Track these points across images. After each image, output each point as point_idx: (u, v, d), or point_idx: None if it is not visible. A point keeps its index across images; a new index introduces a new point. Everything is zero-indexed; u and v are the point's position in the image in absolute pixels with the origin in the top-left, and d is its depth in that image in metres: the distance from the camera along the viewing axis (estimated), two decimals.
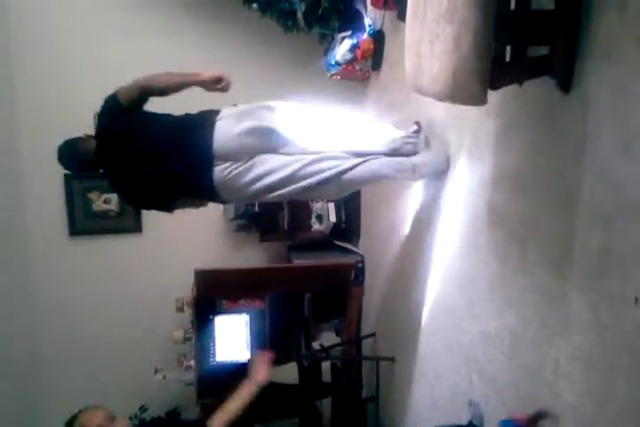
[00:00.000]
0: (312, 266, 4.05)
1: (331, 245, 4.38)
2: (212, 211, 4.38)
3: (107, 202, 4.37)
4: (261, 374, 2.42)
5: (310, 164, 2.45)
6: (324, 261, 4.18)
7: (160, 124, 2.49)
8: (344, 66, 3.71)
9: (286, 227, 4.25)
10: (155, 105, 2.59)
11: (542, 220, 1.86)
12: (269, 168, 2.43)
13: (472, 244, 2.38)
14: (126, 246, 4.43)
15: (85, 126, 3.59)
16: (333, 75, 3.80)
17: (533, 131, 1.91)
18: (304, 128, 2.52)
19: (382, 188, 3.62)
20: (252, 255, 4.54)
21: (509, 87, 1.78)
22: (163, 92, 2.46)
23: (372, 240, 3.94)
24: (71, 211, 4.33)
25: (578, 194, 1.65)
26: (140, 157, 2.44)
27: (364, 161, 2.50)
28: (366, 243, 4.14)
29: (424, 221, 2.94)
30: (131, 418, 4.48)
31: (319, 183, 2.46)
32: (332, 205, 4.24)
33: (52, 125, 4.12)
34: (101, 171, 2.59)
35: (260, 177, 2.43)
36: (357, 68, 3.75)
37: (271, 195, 2.48)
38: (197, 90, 2.54)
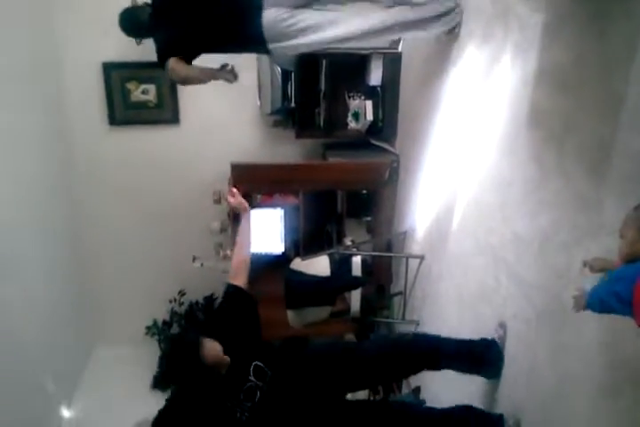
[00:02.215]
0: (347, 164, 4.07)
1: (366, 144, 4.36)
2: (249, 105, 4.37)
3: (145, 93, 4.38)
4: (244, 205, 2.63)
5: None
6: (359, 160, 4.18)
7: None
8: None
9: (322, 124, 4.22)
10: None
11: (583, 121, 1.82)
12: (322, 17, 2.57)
13: (510, 145, 2.35)
14: (164, 138, 4.49)
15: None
16: None
17: (584, 28, 1.81)
18: None
19: (421, 85, 3.53)
20: (287, 151, 4.57)
21: None
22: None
23: (409, 139, 3.90)
24: (110, 101, 4.36)
25: (622, 93, 1.60)
26: (191, 8, 2.64)
27: None
28: (403, 142, 4.11)
29: (463, 120, 2.90)
30: (170, 301, 4.77)
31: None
32: (369, 103, 4.17)
33: (91, 13, 4.07)
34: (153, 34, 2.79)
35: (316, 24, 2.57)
36: None
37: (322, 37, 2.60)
38: None
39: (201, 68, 2.82)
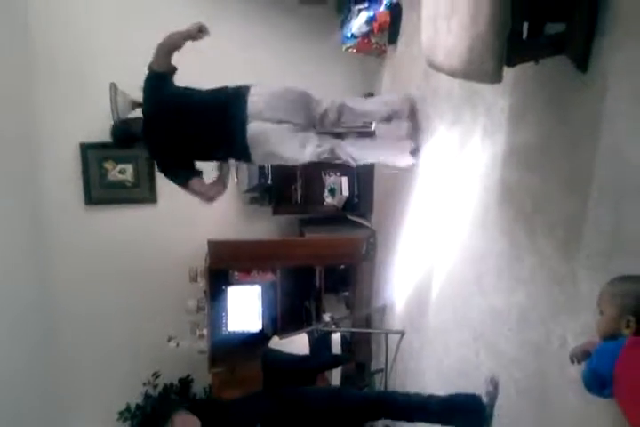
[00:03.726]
0: (324, 240, 4.08)
1: (343, 220, 4.40)
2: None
3: (122, 172, 4.41)
4: None
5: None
6: (336, 235, 4.20)
7: (200, 95, 2.91)
8: (360, 39, 3.68)
9: (299, 200, 4.27)
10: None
11: (552, 198, 1.87)
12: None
13: (482, 221, 2.39)
14: (141, 216, 4.48)
15: (102, 94, 3.64)
16: (349, 48, 3.77)
17: (548, 109, 1.90)
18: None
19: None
20: (264, 228, 4.57)
21: (525, 64, 1.77)
22: (178, 47, 2.86)
23: (384, 215, 3.95)
24: (87, 180, 4.37)
25: (589, 172, 1.65)
26: (185, 124, 2.86)
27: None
28: (378, 217, 4.16)
29: (436, 196, 2.95)
30: (144, 384, 4.60)
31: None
32: (344, 180, 4.25)
33: (69, 94, 4.15)
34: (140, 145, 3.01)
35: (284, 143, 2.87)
36: (373, 41, 3.71)
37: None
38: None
39: None
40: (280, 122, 2.83)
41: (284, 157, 2.91)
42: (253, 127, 2.80)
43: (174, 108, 2.89)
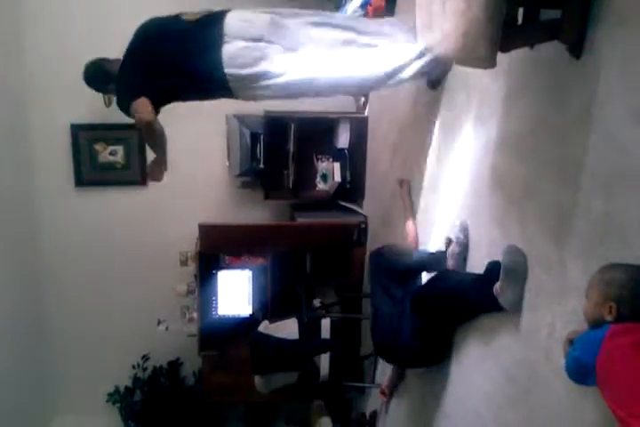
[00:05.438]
0: (315, 224, 4.08)
1: (335, 205, 4.39)
2: (218, 166, 4.39)
3: (113, 154, 4.38)
4: None
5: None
6: (328, 220, 4.20)
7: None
8: None
9: (291, 185, 4.25)
10: None
11: (543, 184, 1.86)
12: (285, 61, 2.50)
13: (473, 207, 2.39)
14: (131, 199, 4.46)
15: None
16: None
17: (542, 95, 1.89)
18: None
19: (387, 147, 3.60)
20: (255, 213, 4.57)
21: (520, 50, 1.75)
22: None
23: (376, 201, 3.95)
24: (77, 162, 4.35)
25: (581, 159, 1.65)
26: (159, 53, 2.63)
27: None
28: (370, 203, 4.15)
29: (428, 183, 2.95)
30: (134, 367, 4.61)
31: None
32: (337, 165, 4.23)
33: (59, 75, 4.11)
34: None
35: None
36: None
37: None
38: None
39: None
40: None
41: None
42: (230, 47, 2.48)
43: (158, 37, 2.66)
